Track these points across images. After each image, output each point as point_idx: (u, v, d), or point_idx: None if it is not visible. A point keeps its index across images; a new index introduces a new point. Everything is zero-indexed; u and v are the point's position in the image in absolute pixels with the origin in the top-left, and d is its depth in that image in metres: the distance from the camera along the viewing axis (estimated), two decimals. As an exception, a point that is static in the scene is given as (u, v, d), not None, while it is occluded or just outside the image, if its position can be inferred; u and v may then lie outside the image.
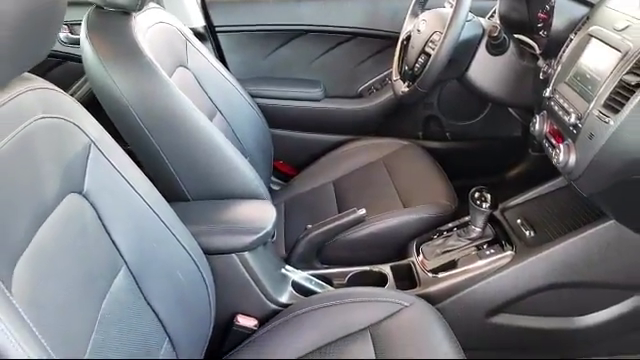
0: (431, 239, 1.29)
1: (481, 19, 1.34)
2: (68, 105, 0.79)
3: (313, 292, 1.20)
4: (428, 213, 1.34)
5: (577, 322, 1.14)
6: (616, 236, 1.02)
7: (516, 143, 1.74)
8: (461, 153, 1.84)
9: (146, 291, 0.83)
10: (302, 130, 1.88)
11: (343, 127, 1.85)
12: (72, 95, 1.02)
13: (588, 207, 1.10)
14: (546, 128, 1.07)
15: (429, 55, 1.28)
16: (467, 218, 1.25)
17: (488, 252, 1.16)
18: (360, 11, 1.77)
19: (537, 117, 1.10)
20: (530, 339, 1.18)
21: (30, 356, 0.54)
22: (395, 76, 1.50)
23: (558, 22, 1.13)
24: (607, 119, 0.83)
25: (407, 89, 1.38)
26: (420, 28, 1.37)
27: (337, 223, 1.30)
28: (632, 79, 0.82)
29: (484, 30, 1.29)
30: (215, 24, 1.82)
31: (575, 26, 1.10)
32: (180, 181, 1.17)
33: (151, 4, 1.31)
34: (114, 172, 0.83)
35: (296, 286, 1.20)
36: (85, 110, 0.83)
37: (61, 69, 1.85)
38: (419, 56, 1.33)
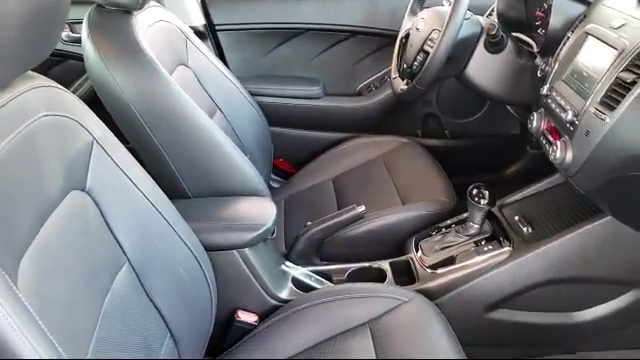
0: (430, 236, 1.29)
1: (479, 17, 1.35)
2: (71, 103, 0.80)
3: (313, 288, 1.20)
4: (427, 210, 1.35)
5: (575, 317, 1.15)
6: (613, 232, 1.03)
7: (514, 141, 1.74)
8: (460, 150, 1.85)
9: (148, 287, 0.84)
10: (301, 128, 1.88)
11: (342, 125, 1.86)
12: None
13: (585, 203, 1.10)
14: (543, 125, 1.08)
15: (428, 53, 1.28)
16: (465, 215, 1.26)
17: (486, 248, 1.17)
18: (359, 10, 1.77)
19: (535, 114, 1.11)
20: (528, 334, 1.19)
21: (38, 351, 0.55)
22: (394, 74, 1.51)
23: (555, 20, 1.14)
24: (603, 116, 0.84)
25: (406, 87, 1.39)
26: (419, 26, 1.38)
27: (336, 220, 1.30)
28: (628, 76, 0.83)
29: (482, 28, 1.30)
30: (215, 22, 1.82)
31: (572, 24, 1.11)
32: (181, 178, 1.18)
33: (152, 3, 1.32)
34: (117, 170, 0.84)
35: (296, 282, 1.21)
36: (88, 108, 0.84)
37: (62, 67, 1.85)
38: (418, 54, 1.34)
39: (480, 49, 1.31)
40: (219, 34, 1.84)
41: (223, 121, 1.43)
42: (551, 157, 0.98)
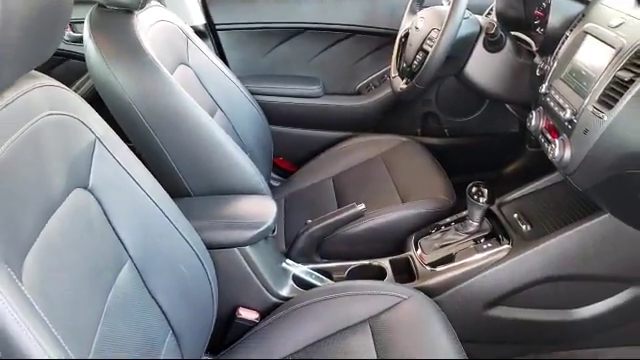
0: (429, 233, 1.30)
1: (478, 16, 1.35)
2: (74, 102, 0.80)
3: (313, 285, 1.21)
4: (426, 208, 1.35)
5: (573, 314, 1.15)
6: (611, 229, 1.03)
7: (513, 139, 1.75)
8: (459, 149, 1.85)
9: (150, 284, 0.85)
10: (301, 127, 1.89)
11: (342, 124, 1.86)
12: (74, 93, 1.03)
13: (583, 201, 1.11)
14: (542, 124, 1.08)
15: (427, 52, 1.29)
16: (465, 213, 1.26)
17: (485, 246, 1.17)
18: (358, 9, 1.78)
19: (533, 113, 1.11)
20: (527, 331, 1.20)
21: (44, 347, 0.56)
22: (393, 73, 1.52)
23: (554, 19, 1.15)
24: (601, 114, 0.85)
25: (405, 86, 1.39)
26: (418, 25, 1.38)
27: (337, 218, 1.31)
28: (626, 75, 0.83)
29: (481, 27, 1.31)
30: (215, 22, 1.83)
31: (571, 23, 1.11)
32: (182, 177, 1.19)
33: (153, 2, 1.32)
34: (119, 168, 0.84)
35: (297, 280, 1.22)
36: (90, 107, 0.84)
37: (63, 67, 1.86)
38: (417, 53, 1.34)
39: (479, 48, 1.31)
40: (219, 33, 1.85)
41: (223, 120, 1.43)
42: (550, 155, 0.98)
